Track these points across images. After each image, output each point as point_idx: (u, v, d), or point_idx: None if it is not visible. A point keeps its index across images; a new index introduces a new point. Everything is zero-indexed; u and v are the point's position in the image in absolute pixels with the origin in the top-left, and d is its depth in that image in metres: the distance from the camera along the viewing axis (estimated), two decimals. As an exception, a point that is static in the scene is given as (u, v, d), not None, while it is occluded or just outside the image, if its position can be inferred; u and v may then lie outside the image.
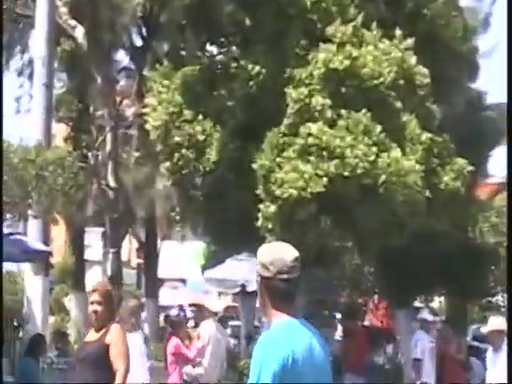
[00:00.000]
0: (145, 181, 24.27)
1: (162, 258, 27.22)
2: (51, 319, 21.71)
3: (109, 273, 22.99)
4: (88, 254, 28.17)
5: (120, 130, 24.47)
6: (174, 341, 11.94)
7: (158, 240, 27.52)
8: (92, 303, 6.82)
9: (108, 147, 23.30)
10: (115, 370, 6.59)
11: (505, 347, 9.83)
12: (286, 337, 3.94)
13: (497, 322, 10.19)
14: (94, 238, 30.81)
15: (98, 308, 6.75)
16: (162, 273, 27.37)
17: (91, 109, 24.73)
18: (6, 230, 15.40)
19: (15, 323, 17.92)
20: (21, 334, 16.61)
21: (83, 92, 23.97)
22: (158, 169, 20.37)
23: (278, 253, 4.02)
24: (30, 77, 22.49)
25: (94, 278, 28.24)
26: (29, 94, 24.28)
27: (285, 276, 3.97)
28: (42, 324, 17.09)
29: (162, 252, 27.81)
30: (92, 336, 6.90)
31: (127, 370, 6.62)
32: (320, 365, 4.03)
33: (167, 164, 14.46)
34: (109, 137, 23.17)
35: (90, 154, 23.59)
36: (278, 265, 3.96)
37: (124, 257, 28.59)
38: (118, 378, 6.56)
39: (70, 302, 25.63)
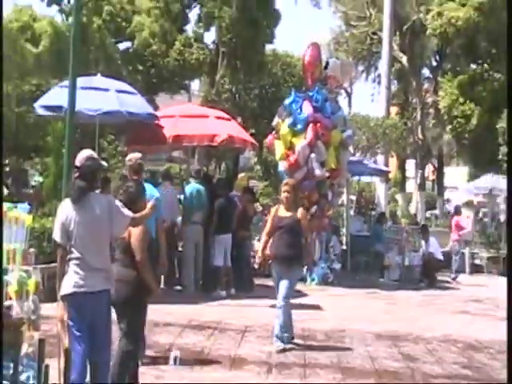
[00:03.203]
0: None
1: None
2: (388, 206, 27.70)
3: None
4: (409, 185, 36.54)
5: None
6: None
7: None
8: (284, 192, 7.88)
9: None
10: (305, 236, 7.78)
11: None
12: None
13: None
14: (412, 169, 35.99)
15: (288, 195, 7.71)
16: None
17: None
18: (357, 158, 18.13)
19: (371, 206, 24.44)
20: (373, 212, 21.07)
21: None
22: None
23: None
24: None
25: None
26: None
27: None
28: (385, 207, 23.49)
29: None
30: (284, 213, 7.86)
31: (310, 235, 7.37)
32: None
33: None
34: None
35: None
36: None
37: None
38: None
39: (399, 196, 35.54)
